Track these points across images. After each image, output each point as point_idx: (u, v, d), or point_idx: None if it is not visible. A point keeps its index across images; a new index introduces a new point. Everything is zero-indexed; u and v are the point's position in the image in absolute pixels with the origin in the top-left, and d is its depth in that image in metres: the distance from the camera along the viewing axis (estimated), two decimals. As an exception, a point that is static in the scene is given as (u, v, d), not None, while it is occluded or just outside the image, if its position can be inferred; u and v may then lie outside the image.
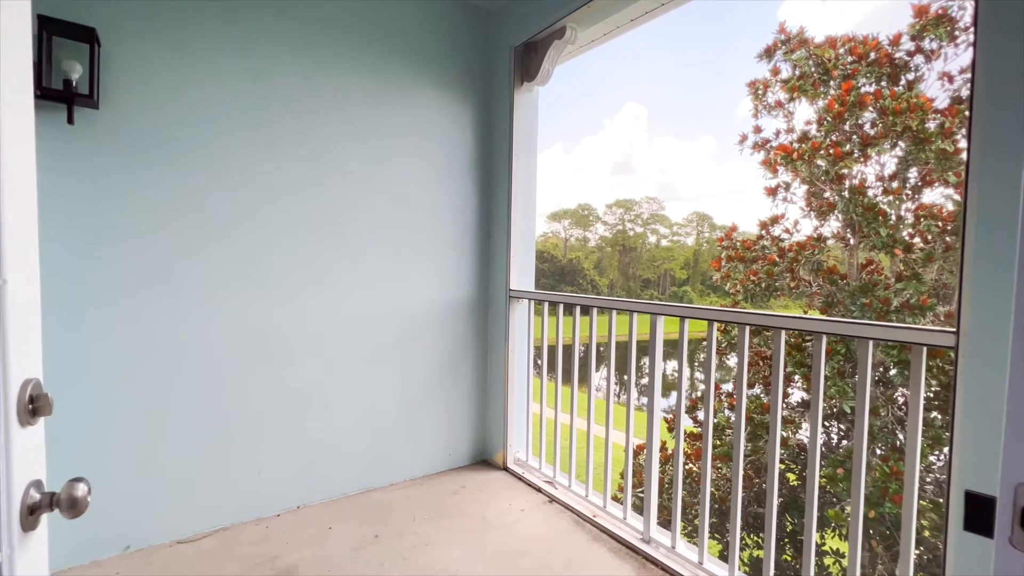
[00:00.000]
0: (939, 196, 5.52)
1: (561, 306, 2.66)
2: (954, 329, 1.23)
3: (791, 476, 6.20)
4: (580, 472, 2.63)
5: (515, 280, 2.88)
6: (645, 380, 2.27)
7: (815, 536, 1.62)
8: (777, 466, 1.71)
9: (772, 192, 6.30)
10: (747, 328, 1.77)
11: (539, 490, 2.65)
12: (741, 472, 1.83)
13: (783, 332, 1.66)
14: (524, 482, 2.76)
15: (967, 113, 1.22)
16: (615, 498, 2.40)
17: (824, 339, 1.56)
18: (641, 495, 6.15)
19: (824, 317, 1.47)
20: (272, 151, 2.38)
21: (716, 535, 6.37)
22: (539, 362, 2.89)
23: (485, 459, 3.08)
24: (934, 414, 5.11)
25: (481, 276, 3.06)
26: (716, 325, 1.90)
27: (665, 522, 2.33)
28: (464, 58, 2.93)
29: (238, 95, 2.29)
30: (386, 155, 2.70)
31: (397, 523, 2.37)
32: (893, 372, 5.45)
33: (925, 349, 1.33)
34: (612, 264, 44.51)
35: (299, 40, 2.43)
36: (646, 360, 2.30)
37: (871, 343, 1.44)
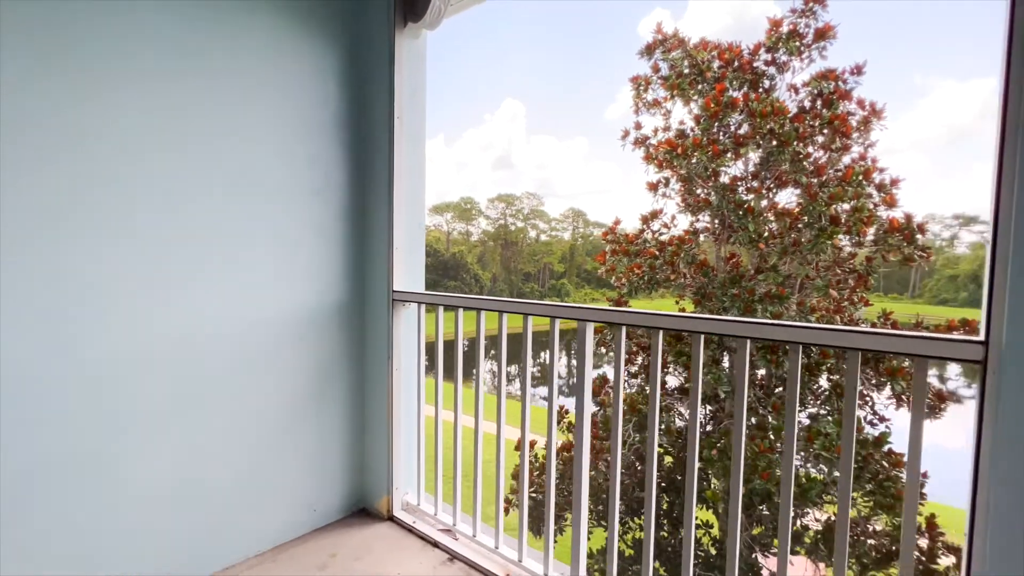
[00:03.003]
0: (790, 195, 6.13)
1: (461, 311, 2.13)
2: (982, 339, 0.97)
3: (668, 459, 6.51)
4: (487, 496, 2.14)
5: (400, 279, 2.27)
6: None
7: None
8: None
9: (653, 187, 6.47)
10: (701, 337, 1.44)
11: (436, 545, 2.10)
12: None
13: (748, 341, 1.35)
14: (416, 535, 2.18)
15: (1001, 101, 0.96)
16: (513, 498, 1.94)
17: (800, 349, 1.27)
18: (534, 495, 5.94)
19: (802, 324, 1.18)
20: (-11, 75, 1.45)
21: (603, 523, 6.44)
22: (427, 361, 2.33)
23: (364, 508, 2.42)
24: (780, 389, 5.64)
25: (355, 274, 2.38)
26: (662, 333, 1.55)
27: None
28: (324, -14, 2.21)
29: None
30: (202, 106, 1.86)
31: (233, 633, 1.64)
32: (755, 356, 5.91)
33: (928, 362, 1.08)
34: (495, 258, 44.94)
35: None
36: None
37: (859, 355, 1.17)
